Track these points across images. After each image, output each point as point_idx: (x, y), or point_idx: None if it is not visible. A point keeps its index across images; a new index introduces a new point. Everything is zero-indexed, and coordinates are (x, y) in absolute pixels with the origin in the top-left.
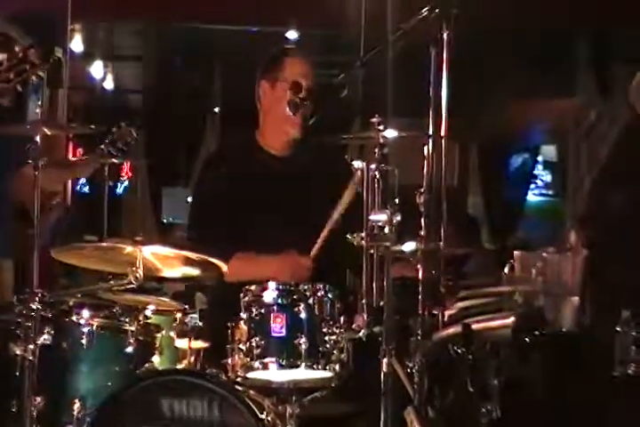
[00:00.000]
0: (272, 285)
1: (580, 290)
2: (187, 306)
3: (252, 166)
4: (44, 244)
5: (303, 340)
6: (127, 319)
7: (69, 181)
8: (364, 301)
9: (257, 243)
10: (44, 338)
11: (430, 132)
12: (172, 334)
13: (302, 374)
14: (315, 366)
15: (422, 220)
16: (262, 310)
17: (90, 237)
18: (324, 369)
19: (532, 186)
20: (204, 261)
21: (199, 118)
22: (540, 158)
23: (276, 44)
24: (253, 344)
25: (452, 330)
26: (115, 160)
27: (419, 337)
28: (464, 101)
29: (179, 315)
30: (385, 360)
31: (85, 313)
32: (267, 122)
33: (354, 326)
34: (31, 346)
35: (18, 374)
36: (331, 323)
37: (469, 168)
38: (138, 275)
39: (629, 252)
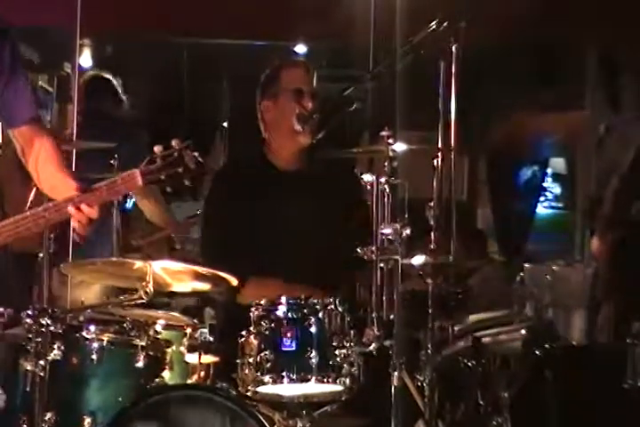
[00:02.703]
0: (282, 299)
1: (589, 302)
2: (196, 321)
3: (261, 182)
4: None
5: (313, 354)
6: (137, 334)
7: None
8: (374, 314)
9: (268, 259)
10: (55, 353)
11: (439, 146)
12: (183, 348)
13: (313, 388)
14: (325, 380)
15: (432, 233)
16: (272, 325)
17: None
18: (335, 383)
19: (542, 198)
20: (214, 275)
21: (207, 132)
22: (549, 171)
23: (278, 59)
24: (264, 358)
25: (462, 343)
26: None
27: (429, 351)
28: (473, 114)
29: (189, 330)
30: (395, 374)
31: (95, 328)
32: (274, 137)
33: (364, 339)
34: (41, 362)
35: (28, 389)
36: (341, 337)
37: (478, 181)
38: (148, 290)
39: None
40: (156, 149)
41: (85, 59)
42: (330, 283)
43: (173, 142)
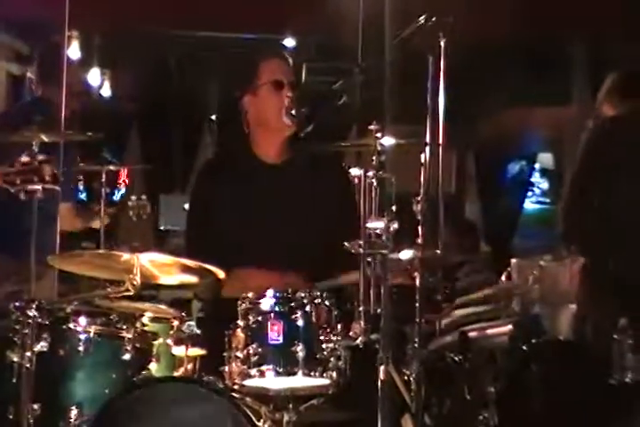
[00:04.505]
0: (269, 292)
1: (576, 298)
2: (184, 313)
3: (246, 175)
4: None
5: (300, 347)
6: (124, 327)
7: None
8: (361, 308)
9: (254, 251)
10: (42, 345)
11: (428, 140)
12: (169, 341)
13: (299, 381)
14: (312, 374)
15: (419, 227)
16: (259, 318)
17: (87, 244)
18: (322, 377)
19: (529, 194)
20: (202, 268)
21: (196, 125)
22: (537, 166)
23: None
24: (250, 352)
25: (449, 338)
26: None
27: (416, 345)
28: (461, 109)
29: (176, 322)
30: (382, 368)
31: (82, 320)
32: (257, 130)
33: (351, 333)
34: (28, 353)
35: (15, 381)
36: (328, 330)
37: (466, 176)
38: (135, 282)
39: (621, 257)
40: (23, 158)
41: (74, 50)
42: (316, 276)
43: (39, 156)
